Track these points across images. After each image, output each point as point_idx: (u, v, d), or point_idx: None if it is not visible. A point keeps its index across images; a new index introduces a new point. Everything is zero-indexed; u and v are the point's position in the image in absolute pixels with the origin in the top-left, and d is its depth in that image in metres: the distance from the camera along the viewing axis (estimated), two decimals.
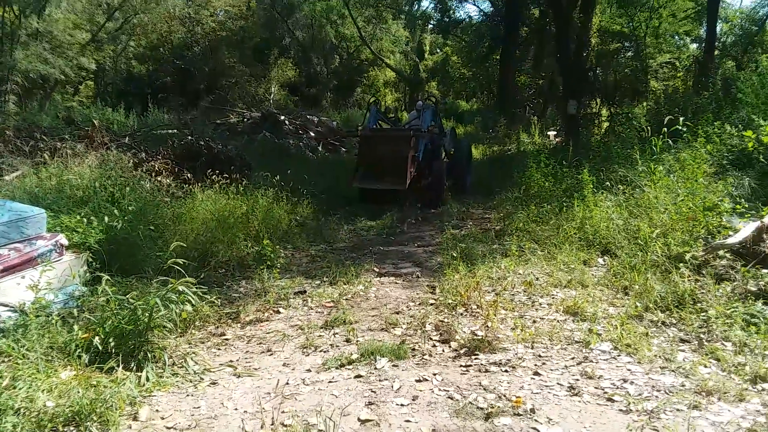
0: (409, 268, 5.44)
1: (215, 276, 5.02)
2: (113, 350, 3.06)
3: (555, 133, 19.97)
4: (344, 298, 4.47)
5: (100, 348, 3.01)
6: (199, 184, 6.65)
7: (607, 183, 6.56)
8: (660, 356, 3.24)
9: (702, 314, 3.67)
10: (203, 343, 3.62)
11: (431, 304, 4.24)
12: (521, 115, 25.76)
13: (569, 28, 15.41)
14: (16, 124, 8.40)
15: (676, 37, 28.21)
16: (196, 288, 3.47)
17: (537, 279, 4.68)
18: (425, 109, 9.76)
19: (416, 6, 34.83)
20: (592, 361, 3.23)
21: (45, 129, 7.81)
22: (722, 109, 8.90)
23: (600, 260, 5.23)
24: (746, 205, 4.70)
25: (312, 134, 18.14)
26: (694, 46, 31.70)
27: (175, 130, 17.38)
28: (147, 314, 3.13)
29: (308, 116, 20.49)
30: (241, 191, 6.61)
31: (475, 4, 25.92)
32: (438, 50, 38.75)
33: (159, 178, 6.55)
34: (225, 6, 27.47)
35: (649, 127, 10.45)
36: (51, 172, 5.86)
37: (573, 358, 3.28)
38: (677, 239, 4.66)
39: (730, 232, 4.61)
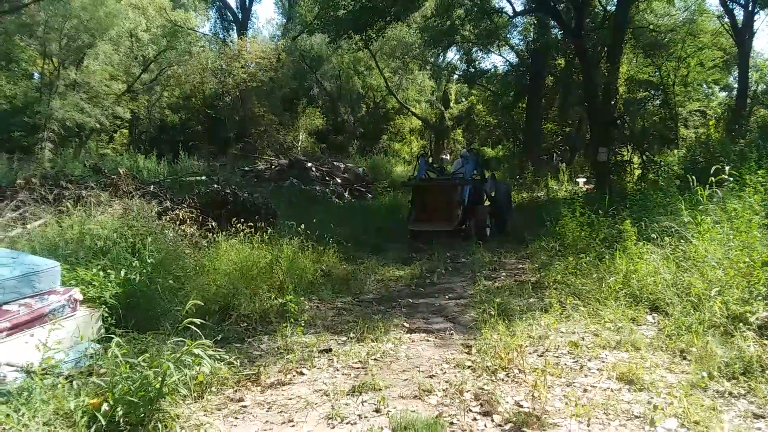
0: (441, 324, 5.09)
1: (236, 331, 4.74)
2: (121, 419, 2.78)
3: (585, 179, 19.63)
4: (372, 357, 4.14)
5: (105, 419, 2.73)
6: (224, 232, 6.47)
7: (651, 234, 6.17)
8: None
9: None
10: (220, 410, 3.31)
11: (468, 367, 3.88)
12: (548, 162, 25.53)
13: (597, 76, 15.29)
14: (44, 172, 8.44)
15: (704, 85, 27.99)
16: (213, 350, 3.19)
17: (582, 339, 4.30)
18: (469, 159, 10.99)
19: (441, 57, 35.38)
20: None
21: (71, 177, 7.79)
22: (763, 158, 8.49)
23: (649, 318, 4.82)
24: None
25: (339, 180, 18.11)
26: (723, 94, 31.40)
27: (204, 177, 17.59)
28: (159, 379, 2.85)
29: (335, 163, 20.57)
30: (266, 240, 6.42)
31: (500, 55, 25.81)
32: (463, 99, 39.07)
33: (183, 227, 6.40)
34: (256, 58, 28.20)
35: (689, 176, 10.11)
36: (73, 221, 5.75)
37: None
38: (735, 297, 4.25)
39: None
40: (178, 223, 6.47)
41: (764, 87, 24.43)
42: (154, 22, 28.34)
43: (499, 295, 5.76)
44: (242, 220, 6.79)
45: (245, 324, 4.94)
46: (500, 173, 24.72)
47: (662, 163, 14.48)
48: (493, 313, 4.70)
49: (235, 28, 34.96)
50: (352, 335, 4.63)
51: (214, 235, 6.44)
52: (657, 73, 24.17)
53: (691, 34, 22.00)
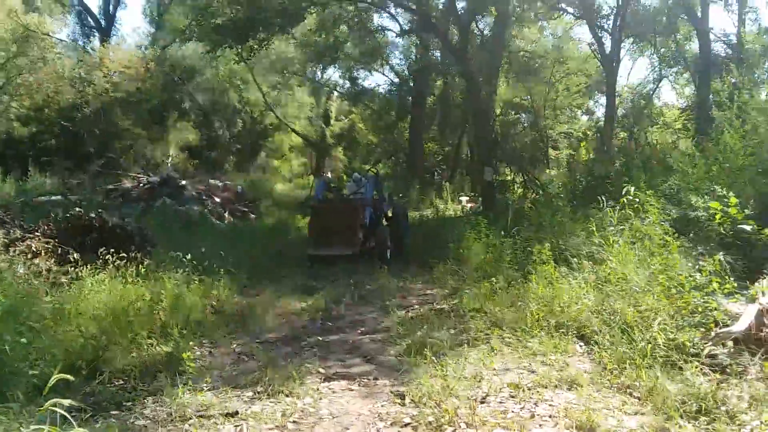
0: (361, 366, 4.47)
1: (111, 392, 3.77)
2: None
3: (467, 198, 20.10)
4: (290, 420, 3.42)
5: None
6: (88, 266, 5.37)
7: (567, 256, 6.06)
8: None
9: (739, 425, 3.05)
10: None
11: (407, 425, 3.31)
12: (431, 180, 26.00)
13: (479, 97, 15.68)
14: None
15: (569, 109, 30.22)
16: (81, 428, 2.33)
17: (520, 377, 3.91)
18: (368, 180, 10.77)
19: (321, 75, 35.01)
20: None
21: None
22: (639, 179, 8.91)
23: (578, 347, 4.59)
24: (735, 284, 4.26)
25: (218, 200, 16.83)
26: (584, 118, 34.22)
27: (59, 197, 15.50)
28: None
29: (211, 180, 19.23)
30: (142, 274, 5.41)
31: (383, 74, 25.99)
32: (344, 117, 38.99)
33: (37, 261, 5.20)
34: (120, 67, 25.90)
35: (580, 196, 10.42)
36: None
37: None
38: (669, 324, 4.12)
39: (724, 316, 4.15)
40: (30, 256, 5.26)
41: (623, 112, 26.74)
42: (3, 25, 25.07)
43: (417, 327, 5.29)
44: (111, 249, 5.72)
45: (122, 382, 3.97)
46: (384, 191, 24.79)
47: (542, 183, 15.11)
48: (423, 352, 4.18)
49: (96, 35, 31.98)
50: (259, 389, 3.85)
51: (77, 270, 5.32)
52: (528, 98, 25.68)
53: (560, 61, 23.61)
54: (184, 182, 17.02)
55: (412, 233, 11.52)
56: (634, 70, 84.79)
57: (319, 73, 34.66)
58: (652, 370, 3.64)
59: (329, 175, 29.49)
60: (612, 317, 4.64)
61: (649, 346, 3.86)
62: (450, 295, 6.61)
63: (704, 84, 17.02)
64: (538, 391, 3.69)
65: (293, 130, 32.74)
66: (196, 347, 4.74)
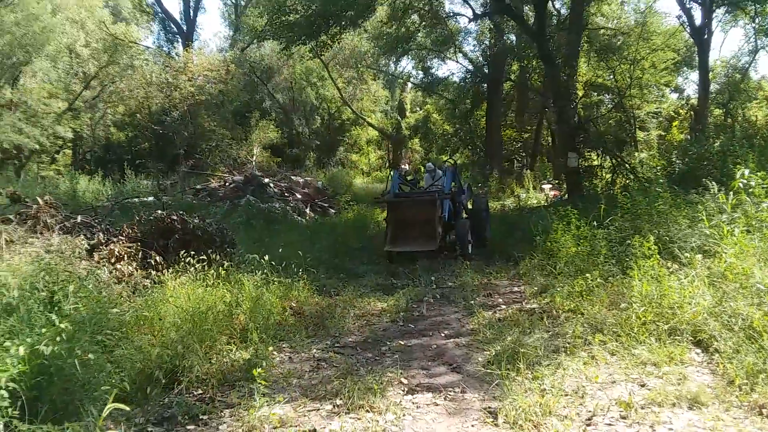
0: (447, 376, 4.13)
1: (188, 404, 3.66)
2: None
3: (550, 186, 19.17)
4: None
5: None
6: (170, 269, 5.37)
7: (669, 248, 5.43)
8: None
9: None
10: None
11: None
12: (511, 169, 25.11)
13: (560, 79, 14.80)
14: None
15: (655, 87, 28.24)
16: None
17: (631, 393, 3.44)
18: (445, 171, 9.98)
19: (395, 66, 34.82)
20: None
21: None
22: (748, 159, 7.91)
23: (694, 356, 4.02)
24: None
25: (299, 196, 17.03)
26: (674, 96, 31.91)
27: (151, 199, 16.22)
28: None
29: (293, 177, 19.50)
30: (222, 276, 5.35)
31: (456, 61, 25.31)
32: (418, 108, 38.64)
33: (119, 265, 5.26)
34: (203, 71, 26.89)
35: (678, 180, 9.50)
36: None
37: None
38: None
39: None
40: (112, 260, 5.33)
41: (716, 87, 24.70)
42: (94, 36, 26.72)
43: (506, 330, 4.89)
44: (193, 251, 5.71)
45: (200, 392, 3.87)
46: (462, 181, 24.17)
47: (635, 166, 14.04)
48: (515, 361, 3.79)
49: (179, 40, 33.51)
50: (339, 402, 3.62)
51: (159, 273, 5.33)
52: (611, 77, 24.15)
53: (644, 37, 22.00)
54: (266, 180, 17.33)
55: (494, 225, 11.02)
56: (726, 42, 78.29)
57: (392, 65, 34.54)
58: None
59: (406, 167, 29.25)
60: (733, 320, 4.03)
61: None
62: (539, 293, 6.13)
63: None
64: (653, 411, 3.22)
65: (369, 124, 32.86)
66: (275, 352, 4.59)
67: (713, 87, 25.83)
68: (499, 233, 10.33)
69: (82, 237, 5.63)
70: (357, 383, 3.79)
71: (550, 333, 4.72)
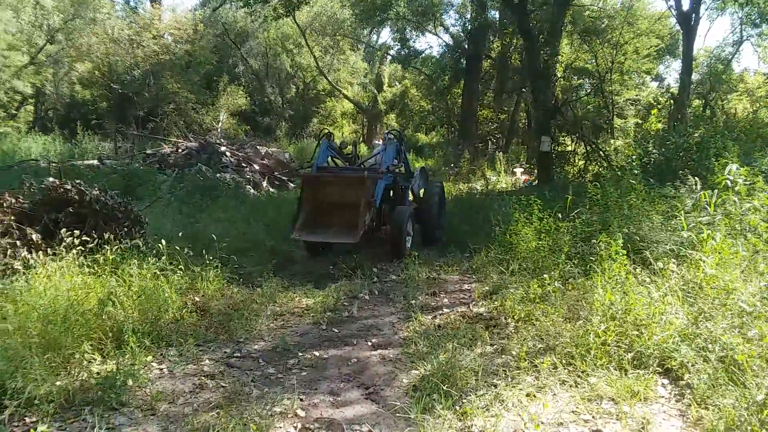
0: (358, 406, 3.31)
1: None
2: None
3: (522, 170, 18.50)
4: None
5: None
6: (49, 249, 4.45)
7: (639, 249, 4.71)
8: None
9: None
10: None
11: None
12: (484, 150, 24.36)
13: (539, 58, 13.99)
14: None
15: (635, 74, 27.66)
16: None
17: None
18: (388, 144, 7.93)
19: (375, 36, 33.63)
20: None
21: None
22: (732, 152, 7.25)
23: (661, 389, 3.31)
24: None
25: (257, 167, 16.00)
26: (654, 84, 31.40)
27: (96, 162, 15.07)
28: None
29: (257, 146, 18.43)
30: (110, 261, 4.45)
31: (435, 34, 24.28)
32: (397, 83, 37.53)
33: None
34: (170, 29, 25.39)
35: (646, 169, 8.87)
36: None
37: None
38: None
39: None
40: None
41: (697, 77, 24.17)
42: None
43: (443, 341, 4.11)
44: (92, 229, 4.79)
45: (33, 420, 2.95)
46: (434, 161, 23.29)
47: (609, 154, 13.38)
48: (443, 389, 3.01)
49: None
50: None
51: (35, 255, 4.41)
52: (593, 60, 23.41)
53: (629, 22, 21.25)
54: (223, 148, 16.27)
55: (456, 210, 10.14)
56: (710, 33, 78.30)
57: (373, 36, 33.37)
58: None
59: (380, 143, 28.26)
60: (710, 346, 3.33)
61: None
62: (490, 293, 5.36)
63: None
64: None
65: (345, 96, 31.76)
66: (155, 363, 3.72)
67: (694, 77, 25.33)
68: (459, 219, 9.44)
69: None
70: (237, 416, 2.96)
71: (493, 348, 3.96)
